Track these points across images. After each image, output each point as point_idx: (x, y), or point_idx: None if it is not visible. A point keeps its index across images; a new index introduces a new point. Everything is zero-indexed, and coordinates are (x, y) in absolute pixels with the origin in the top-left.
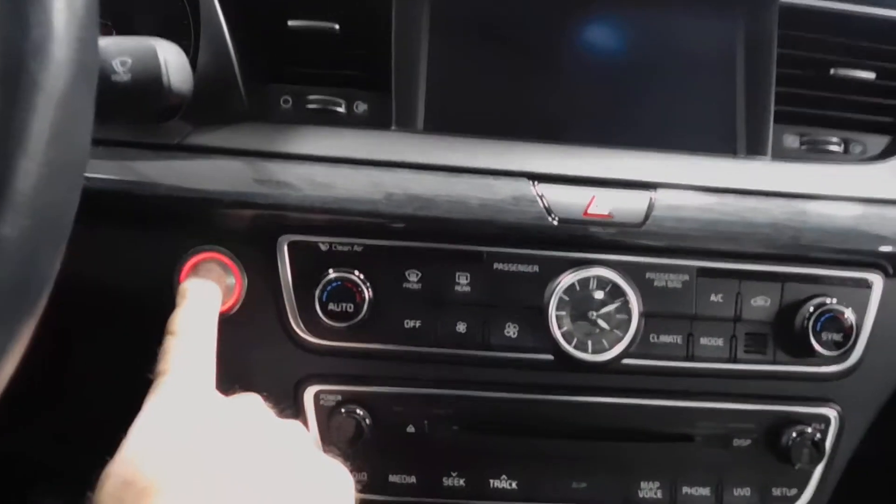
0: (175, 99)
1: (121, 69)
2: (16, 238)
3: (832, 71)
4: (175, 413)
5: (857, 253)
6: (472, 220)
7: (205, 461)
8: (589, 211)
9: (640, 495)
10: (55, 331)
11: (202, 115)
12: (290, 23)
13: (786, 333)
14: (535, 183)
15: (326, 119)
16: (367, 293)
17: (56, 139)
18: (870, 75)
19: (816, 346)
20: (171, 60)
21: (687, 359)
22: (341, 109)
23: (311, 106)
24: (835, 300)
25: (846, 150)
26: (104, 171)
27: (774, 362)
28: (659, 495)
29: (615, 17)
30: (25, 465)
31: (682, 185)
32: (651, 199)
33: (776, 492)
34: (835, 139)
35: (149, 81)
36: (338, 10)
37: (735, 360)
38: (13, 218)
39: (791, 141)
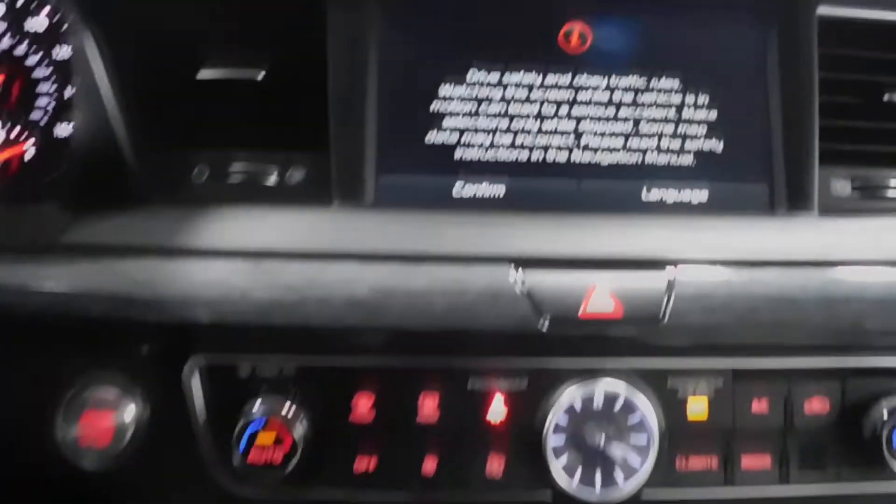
0: None
1: None
2: None
3: (886, 96)
4: None
5: None
6: (437, 327)
7: None
8: (589, 308)
9: None
10: None
11: (82, 201)
12: (200, 74)
13: (851, 444)
14: (519, 269)
15: (253, 193)
16: (303, 429)
17: None
18: None
19: (892, 459)
20: None
21: (726, 483)
22: (271, 181)
23: (232, 180)
24: None
25: None
26: None
27: (838, 480)
28: None
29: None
30: None
31: (709, 259)
32: (670, 282)
33: None
34: (893, 182)
35: None
36: (259, 52)
37: (787, 482)
38: None
39: (841, 187)
